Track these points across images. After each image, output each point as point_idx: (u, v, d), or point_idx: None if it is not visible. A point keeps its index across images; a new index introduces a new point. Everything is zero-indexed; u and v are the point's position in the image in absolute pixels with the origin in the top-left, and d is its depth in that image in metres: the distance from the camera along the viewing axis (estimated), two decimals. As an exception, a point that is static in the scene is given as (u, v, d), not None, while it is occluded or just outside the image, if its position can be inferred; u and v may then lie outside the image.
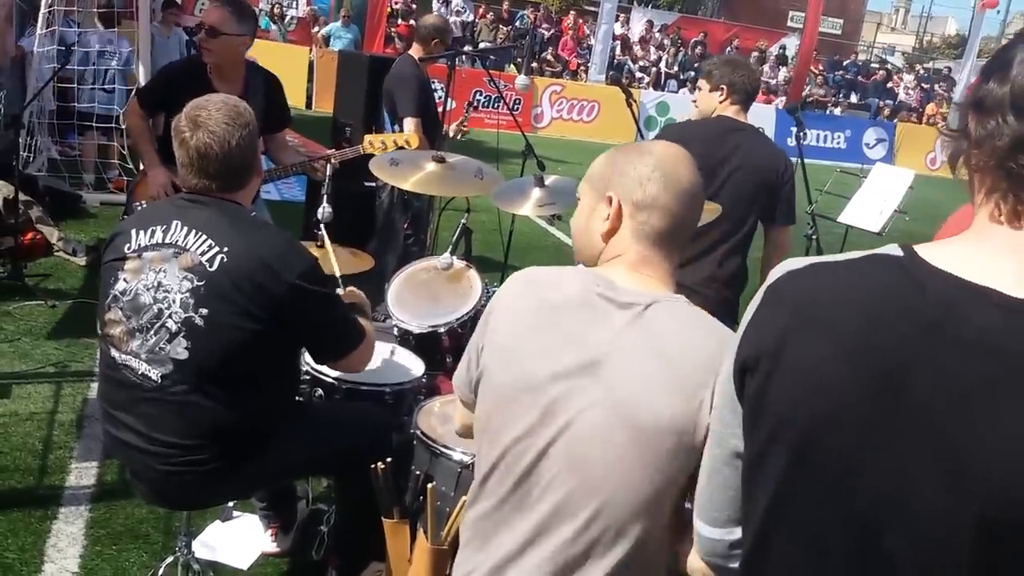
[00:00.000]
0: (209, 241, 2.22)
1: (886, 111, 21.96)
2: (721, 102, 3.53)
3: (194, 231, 2.25)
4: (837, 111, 21.58)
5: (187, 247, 2.23)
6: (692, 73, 19.73)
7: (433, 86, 5.31)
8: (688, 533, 1.37)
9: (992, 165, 1.01)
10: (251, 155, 2.36)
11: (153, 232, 2.29)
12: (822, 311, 1.05)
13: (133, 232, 2.31)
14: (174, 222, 2.28)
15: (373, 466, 2.29)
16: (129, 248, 2.30)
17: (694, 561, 1.35)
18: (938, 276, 1.00)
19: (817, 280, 1.09)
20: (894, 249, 1.06)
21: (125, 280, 2.28)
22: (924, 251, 1.04)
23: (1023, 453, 0.90)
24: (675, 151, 1.68)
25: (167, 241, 2.26)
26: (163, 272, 2.23)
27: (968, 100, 1.05)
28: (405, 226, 5.06)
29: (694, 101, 3.80)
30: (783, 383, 1.06)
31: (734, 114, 3.51)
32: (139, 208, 3.78)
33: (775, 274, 1.14)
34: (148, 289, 2.24)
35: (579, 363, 1.55)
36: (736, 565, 1.24)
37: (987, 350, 0.93)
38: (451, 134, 5.18)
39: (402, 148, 3.80)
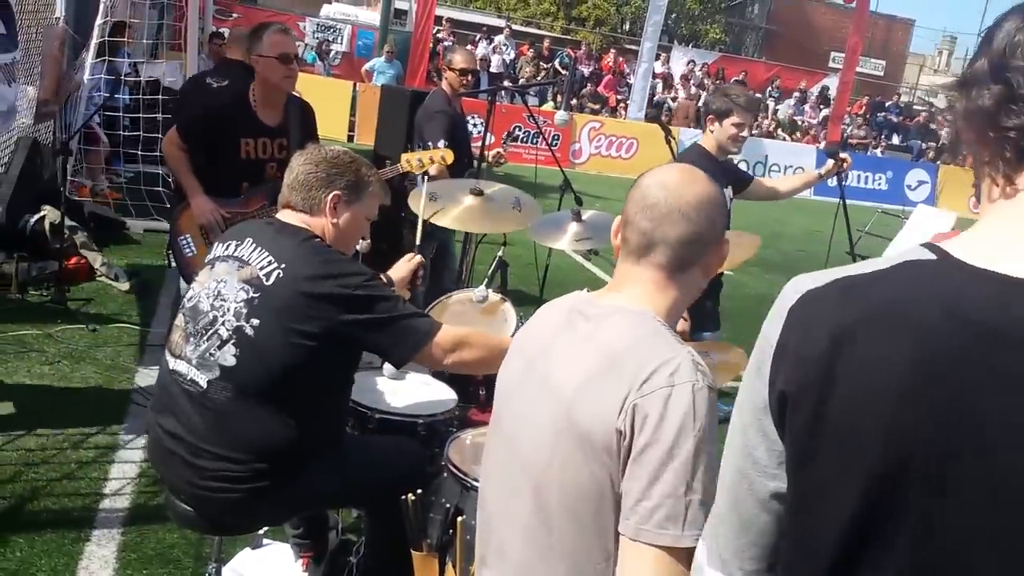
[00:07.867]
0: (270, 257, 2.34)
1: (930, 153, 21.72)
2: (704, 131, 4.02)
3: (260, 248, 2.37)
4: (878, 152, 21.39)
5: (250, 261, 2.35)
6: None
7: (471, 121, 5.32)
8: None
9: (981, 135, 0.99)
10: (320, 187, 2.49)
11: (229, 245, 2.44)
12: (863, 332, 0.97)
13: (218, 244, 2.50)
14: (247, 239, 2.42)
15: (404, 497, 2.27)
16: (207, 259, 2.48)
17: None
18: (977, 276, 0.93)
19: (846, 299, 1.01)
20: (923, 252, 0.99)
21: (194, 288, 2.43)
22: (954, 248, 0.97)
23: None
24: (662, 172, 1.66)
25: (235, 255, 2.39)
26: (224, 283, 2.35)
27: (955, 81, 1.03)
28: (431, 255, 5.06)
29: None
30: (842, 413, 0.98)
31: None
32: (183, 241, 3.92)
33: (791, 296, 1.06)
34: (208, 297, 2.36)
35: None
36: None
37: None
38: (489, 158, 5.15)
39: (438, 164, 3.94)
